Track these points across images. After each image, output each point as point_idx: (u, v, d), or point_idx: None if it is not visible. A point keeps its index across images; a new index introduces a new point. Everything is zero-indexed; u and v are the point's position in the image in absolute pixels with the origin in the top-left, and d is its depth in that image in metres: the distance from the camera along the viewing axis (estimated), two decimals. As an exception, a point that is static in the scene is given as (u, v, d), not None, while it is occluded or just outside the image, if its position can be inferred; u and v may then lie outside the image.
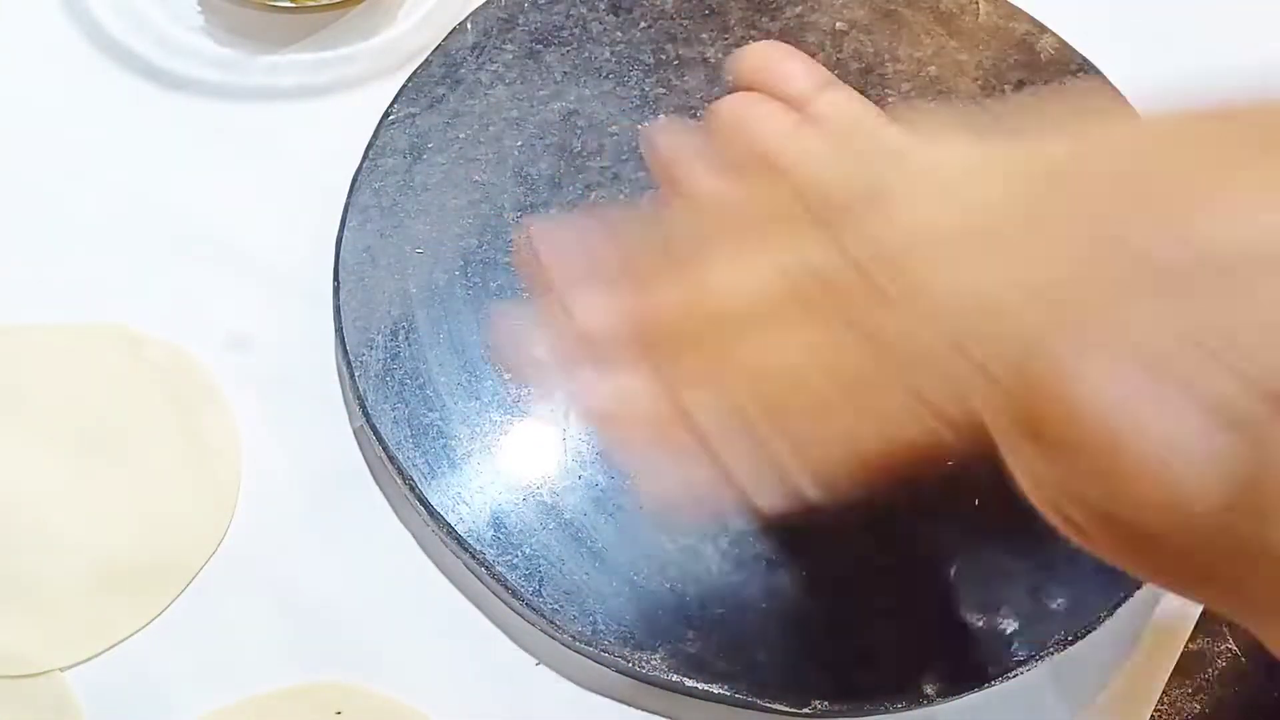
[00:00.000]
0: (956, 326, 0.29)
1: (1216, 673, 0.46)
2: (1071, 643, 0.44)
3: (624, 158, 0.52)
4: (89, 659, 0.44)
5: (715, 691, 0.43)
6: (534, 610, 0.44)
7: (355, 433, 0.48)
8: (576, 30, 0.55)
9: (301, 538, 0.46)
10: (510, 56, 0.54)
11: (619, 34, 0.55)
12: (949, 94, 0.54)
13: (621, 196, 0.51)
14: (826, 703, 0.43)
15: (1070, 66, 0.55)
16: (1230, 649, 0.46)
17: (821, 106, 0.36)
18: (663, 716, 0.45)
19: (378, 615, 0.45)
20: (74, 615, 0.44)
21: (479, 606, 0.46)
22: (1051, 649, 0.44)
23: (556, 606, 0.44)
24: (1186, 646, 0.46)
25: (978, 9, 0.56)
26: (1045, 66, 0.55)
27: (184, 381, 0.48)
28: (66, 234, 0.51)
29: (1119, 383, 0.25)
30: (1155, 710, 0.45)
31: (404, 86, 0.52)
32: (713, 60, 0.54)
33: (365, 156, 0.51)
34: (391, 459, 0.46)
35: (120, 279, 0.50)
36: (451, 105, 0.52)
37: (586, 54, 0.54)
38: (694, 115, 0.53)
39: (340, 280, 0.48)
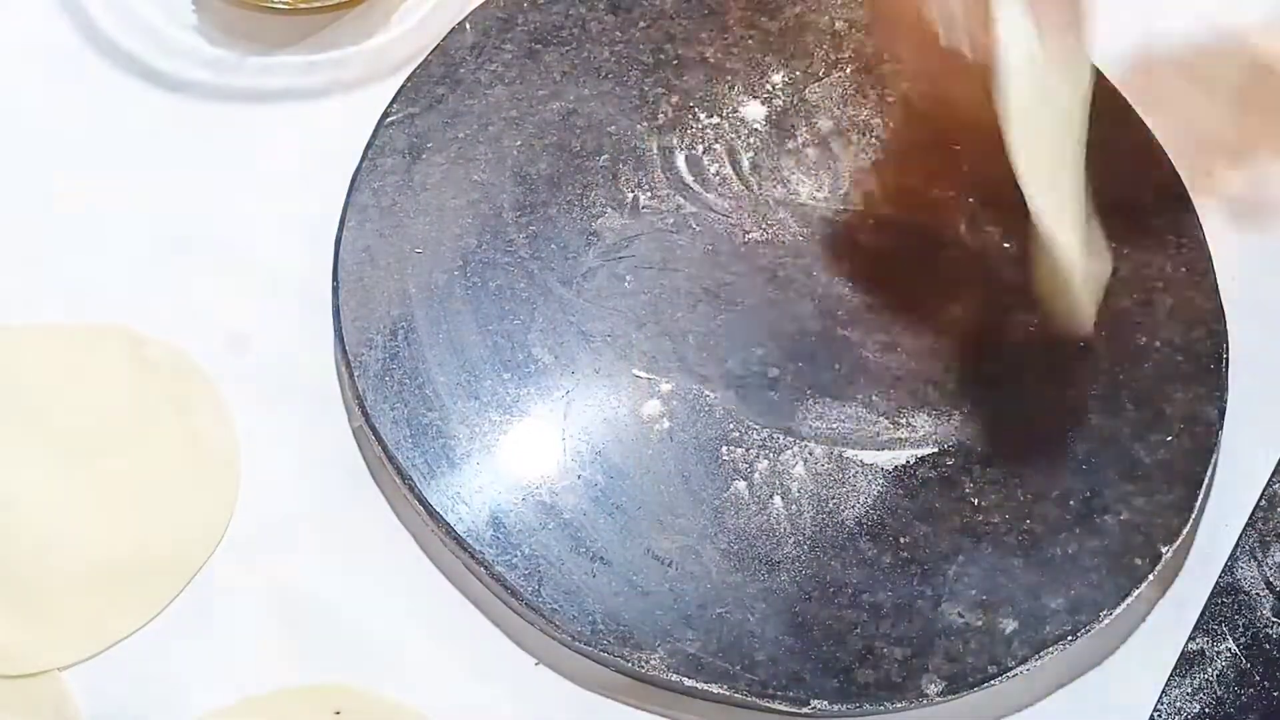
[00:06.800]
0: None
1: (1216, 673, 0.46)
2: (1071, 643, 0.44)
3: (623, 158, 0.52)
4: (88, 659, 0.44)
5: (715, 691, 0.43)
6: (533, 610, 0.44)
7: (355, 433, 0.48)
8: (576, 30, 0.55)
9: (301, 538, 0.46)
10: (509, 56, 0.54)
11: (618, 34, 0.55)
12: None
13: (621, 195, 0.51)
14: (826, 703, 0.43)
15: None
16: (1230, 649, 0.46)
17: None
18: (663, 716, 0.45)
19: (377, 615, 0.45)
20: (73, 615, 0.44)
21: (479, 606, 0.46)
22: (1051, 649, 0.44)
23: (556, 606, 0.44)
24: (1186, 646, 0.47)
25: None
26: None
27: (184, 382, 0.48)
28: (66, 234, 0.51)
29: None
30: (1155, 710, 0.45)
31: (403, 86, 0.52)
32: (713, 60, 0.54)
33: (364, 156, 0.51)
34: (391, 459, 0.46)
35: (120, 279, 0.50)
36: (450, 105, 0.52)
37: (586, 54, 0.54)
38: (693, 115, 0.53)
39: (339, 280, 0.48)
